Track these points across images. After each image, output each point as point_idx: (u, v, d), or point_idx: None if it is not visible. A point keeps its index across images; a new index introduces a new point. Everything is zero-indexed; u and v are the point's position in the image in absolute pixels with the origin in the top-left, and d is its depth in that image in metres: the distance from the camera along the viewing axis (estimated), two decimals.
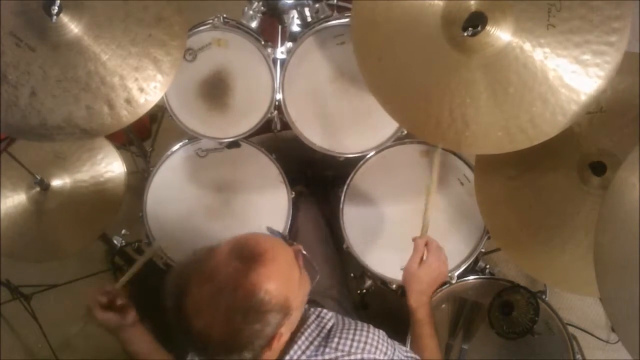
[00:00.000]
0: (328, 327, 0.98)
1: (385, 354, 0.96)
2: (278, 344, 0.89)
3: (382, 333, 0.99)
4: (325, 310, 1.01)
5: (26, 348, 1.92)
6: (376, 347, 0.95)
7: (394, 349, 0.99)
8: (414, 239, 1.19)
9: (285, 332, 0.89)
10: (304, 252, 0.95)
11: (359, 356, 0.93)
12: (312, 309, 1.01)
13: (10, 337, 1.94)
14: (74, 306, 1.98)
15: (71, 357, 1.92)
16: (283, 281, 0.86)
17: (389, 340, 1.00)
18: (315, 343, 0.94)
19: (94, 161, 1.58)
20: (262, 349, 0.86)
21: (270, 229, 0.99)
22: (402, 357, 1.00)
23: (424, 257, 1.15)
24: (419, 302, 1.14)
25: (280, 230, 1.52)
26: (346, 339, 0.95)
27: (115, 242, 1.68)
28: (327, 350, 0.93)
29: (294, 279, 0.89)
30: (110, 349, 1.94)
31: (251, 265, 0.83)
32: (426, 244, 1.16)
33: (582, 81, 1.00)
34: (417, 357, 1.04)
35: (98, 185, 1.55)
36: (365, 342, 0.95)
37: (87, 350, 1.95)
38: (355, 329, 0.97)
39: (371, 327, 0.99)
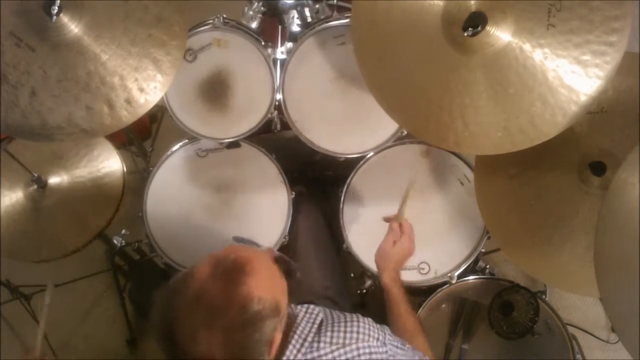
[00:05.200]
0: (318, 321, 0.98)
1: (377, 339, 0.98)
2: (275, 347, 0.89)
3: (369, 320, 1.01)
4: (312, 306, 1.02)
5: (26, 349, 1.91)
6: (368, 335, 0.97)
7: (384, 333, 1.01)
8: (389, 220, 1.27)
9: (279, 334, 0.89)
10: (276, 252, 0.96)
11: (354, 346, 0.95)
12: (299, 307, 1.01)
13: (10, 337, 1.94)
14: (74, 306, 2.00)
15: (71, 357, 1.92)
16: (270, 286, 0.86)
17: (378, 325, 1.02)
18: (309, 339, 0.95)
19: (90, 157, 1.58)
20: (263, 355, 0.86)
21: (237, 238, 1.00)
22: (391, 338, 1.02)
23: (398, 238, 1.23)
24: (391, 279, 1.20)
25: (279, 232, 1.53)
26: (339, 331, 0.96)
27: (115, 242, 1.68)
28: (322, 345, 0.94)
29: (277, 281, 0.89)
30: (110, 349, 1.94)
31: (238, 279, 0.82)
32: (400, 226, 1.24)
33: (582, 82, 1.00)
34: (401, 341, 1.06)
35: (96, 180, 1.55)
36: (358, 332, 0.96)
37: (87, 350, 1.95)
38: (346, 321, 0.98)
39: (359, 316, 1.01)
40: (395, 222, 1.26)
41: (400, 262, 1.23)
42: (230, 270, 0.83)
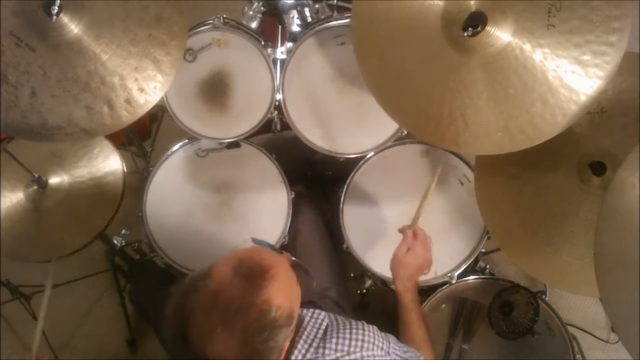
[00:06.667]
0: (323, 327, 0.99)
1: (382, 348, 0.98)
2: (284, 353, 0.89)
3: (374, 328, 1.01)
4: (318, 311, 1.02)
5: (26, 348, 1.92)
6: (373, 344, 0.97)
7: (389, 342, 1.01)
8: (403, 229, 1.26)
9: (288, 341, 0.89)
10: (293, 258, 0.95)
11: (358, 354, 0.95)
12: (304, 310, 1.01)
13: (10, 337, 1.94)
14: (74, 306, 2.00)
15: (71, 357, 1.92)
16: (288, 294, 0.86)
17: (382, 333, 1.02)
18: (314, 345, 0.95)
19: (90, 156, 1.58)
20: None
21: (256, 240, 0.99)
22: (396, 347, 1.02)
23: (412, 246, 1.22)
24: (405, 287, 1.20)
25: (279, 232, 1.52)
26: (344, 338, 0.96)
27: (115, 242, 1.69)
28: (327, 352, 0.94)
29: (294, 288, 0.89)
30: (111, 349, 1.94)
31: (261, 283, 0.81)
32: (414, 233, 1.23)
33: (582, 81, 1.00)
34: (406, 347, 1.06)
35: (96, 180, 1.55)
36: (363, 340, 0.96)
37: (87, 350, 1.95)
38: (351, 328, 0.98)
39: (365, 323, 1.01)
40: (409, 230, 1.25)
41: (415, 270, 1.21)
42: (253, 272, 0.82)
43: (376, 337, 0.98)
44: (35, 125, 1.15)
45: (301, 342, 0.95)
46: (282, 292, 0.83)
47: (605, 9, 0.97)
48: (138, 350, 1.93)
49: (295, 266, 0.93)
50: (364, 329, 0.98)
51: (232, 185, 1.58)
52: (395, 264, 1.23)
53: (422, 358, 1.07)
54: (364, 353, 0.95)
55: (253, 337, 0.80)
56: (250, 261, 0.84)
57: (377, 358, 0.96)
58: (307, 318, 1.00)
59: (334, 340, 0.96)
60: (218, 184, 1.58)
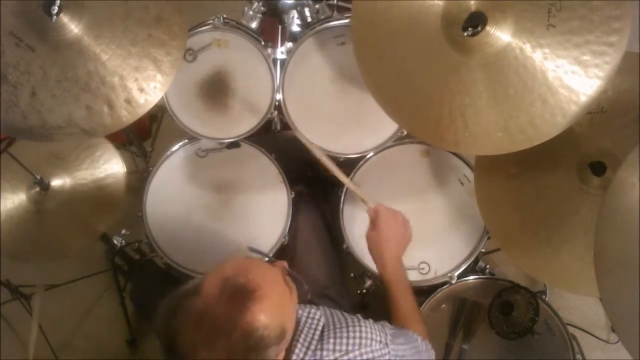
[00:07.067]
0: (320, 327, 0.98)
1: (380, 341, 0.98)
2: None
3: (370, 322, 1.02)
4: (313, 310, 1.02)
5: (26, 348, 1.92)
6: (371, 339, 0.97)
7: (385, 333, 1.01)
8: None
9: (282, 353, 0.88)
10: (288, 269, 0.94)
11: (357, 352, 0.95)
12: (300, 311, 1.00)
13: (10, 337, 1.94)
14: (74, 306, 2.00)
15: (71, 357, 1.92)
16: (278, 311, 0.84)
17: (378, 325, 1.02)
18: (312, 347, 0.94)
19: (92, 158, 1.58)
20: None
21: (252, 249, 0.98)
22: (391, 337, 1.02)
23: (374, 224, 1.22)
24: (382, 265, 1.20)
25: (279, 232, 1.52)
26: (341, 337, 0.96)
27: (115, 242, 1.68)
28: (325, 352, 0.94)
29: (286, 303, 0.87)
30: (110, 349, 1.94)
31: (245, 304, 0.80)
32: (374, 211, 1.23)
33: (582, 82, 1.00)
34: (400, 330, 1.07)
35: (97, 182, 1.55)
36: (360, 337, 0.96)
37: (87, 350, 1.95)
38: (347, 325, 0.98)
39: (360, 318, 1.01)
40: (369, 209, 1.25)
41: (388, 246, 1.20)
42: (238, 293, 0.81)
43: (373, 330, 0.98)
44: (35, 125, 1.15)
45: (298, 345, 0.94)
46: (271, 312, 0.82)
47: (605, 9, 0.97)
48: (138, 350, 1.93)
49: (290, 276, 0.92)
50: (360, 325, 0.98)
51: (232, 185, 1.58)
52: (369, 246, 1.24)
53: (417, 341, 1.08)
54: (362, 350, 0.95)
55: (238, 358, 0.79)
56: (236, 281, 0.82)
57: (375, 353, 0.96)
58: (303, 319, 0.99)
59: (331, 340, 0.95)
60: (218, 184, 1.58)
